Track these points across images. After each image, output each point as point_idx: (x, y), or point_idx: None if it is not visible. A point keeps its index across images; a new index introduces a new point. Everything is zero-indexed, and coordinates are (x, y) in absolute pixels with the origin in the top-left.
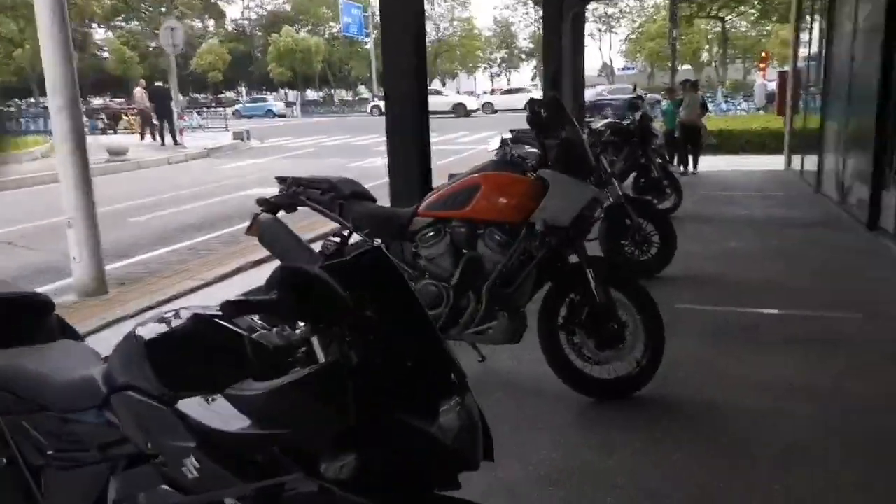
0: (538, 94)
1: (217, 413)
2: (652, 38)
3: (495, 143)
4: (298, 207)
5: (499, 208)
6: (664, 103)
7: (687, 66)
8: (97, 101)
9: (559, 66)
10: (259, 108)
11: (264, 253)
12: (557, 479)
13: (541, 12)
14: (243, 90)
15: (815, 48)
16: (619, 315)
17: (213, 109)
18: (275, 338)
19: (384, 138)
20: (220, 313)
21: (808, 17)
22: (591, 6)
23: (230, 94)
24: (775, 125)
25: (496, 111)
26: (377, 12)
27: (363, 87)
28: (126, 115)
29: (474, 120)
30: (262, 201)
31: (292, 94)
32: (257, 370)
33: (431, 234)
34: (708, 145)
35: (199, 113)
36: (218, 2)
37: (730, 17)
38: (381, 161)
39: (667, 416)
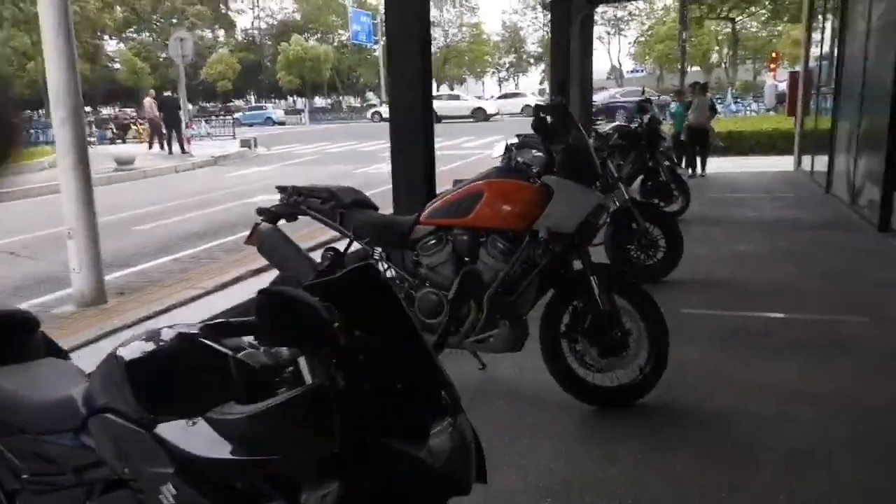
0: (534, 99)
1: (197, 438)
2: (661, 40)
3: (500, 149)
4: (299, 217)
5: (502, 216)
6: (673, 105)
7: (696, 68)
8: (107, 112)
9: (567, 69)
10: (258, 117)
11: (265, 261)
12: (558, 489)
13: (549, 16)
14: (252, 99)
15: (826, 48)
16: (622, 322)
17: (221, 118)
18: (262, 356)
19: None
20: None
21: (820, 17)
22: (599, 9)
23: (239, 103)
24: (785, 126)
25: (489, 117)
26: None
27: (371, 93)
28: (135, 124)
29: (479, 125)
30: (262, 211)
31: (301, 102)
32: (241, 392)
33: (433, 242)
34: (716, 149)
35: (207, 122)
36: (228, 12)
37: (740, 17)
38: (387, 167)
39: (670, 424)
